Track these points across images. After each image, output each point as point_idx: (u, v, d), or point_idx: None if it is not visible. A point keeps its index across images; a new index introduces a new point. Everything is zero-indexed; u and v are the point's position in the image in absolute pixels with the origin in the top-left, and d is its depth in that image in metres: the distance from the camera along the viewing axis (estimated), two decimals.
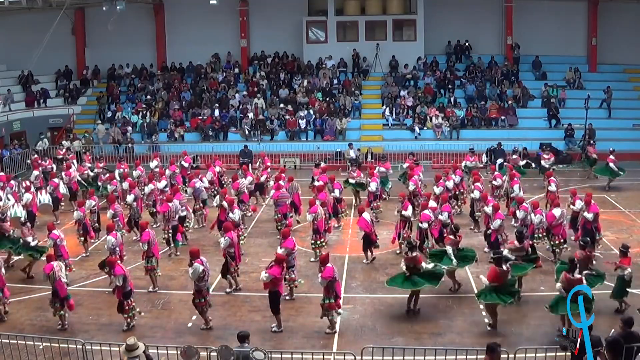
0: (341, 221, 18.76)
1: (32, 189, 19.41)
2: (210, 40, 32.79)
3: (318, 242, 15.68)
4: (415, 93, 30.37)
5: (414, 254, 12.82)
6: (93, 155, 26.72)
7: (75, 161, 23.95)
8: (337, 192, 18.61)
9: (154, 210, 18.73)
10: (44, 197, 19.26)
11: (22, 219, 16.82)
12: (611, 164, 21.99)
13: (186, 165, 22.25)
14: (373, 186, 18.62)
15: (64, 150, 26.18)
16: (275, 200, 17.79)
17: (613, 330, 9.23)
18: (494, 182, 19.11)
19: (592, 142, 25.32)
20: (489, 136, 27.47)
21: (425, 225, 15.46)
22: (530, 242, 14.09)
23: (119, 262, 12.70)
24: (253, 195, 20.56)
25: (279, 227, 17.28)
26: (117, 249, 14.36)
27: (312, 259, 15.74)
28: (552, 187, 17.85)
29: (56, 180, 20.18)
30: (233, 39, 33.16)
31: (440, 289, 14.01)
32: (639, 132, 28.12)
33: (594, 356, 8.51)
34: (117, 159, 23.84)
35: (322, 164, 21.70)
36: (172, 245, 16.57)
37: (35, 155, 24.83)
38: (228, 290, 14.06)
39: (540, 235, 15.45)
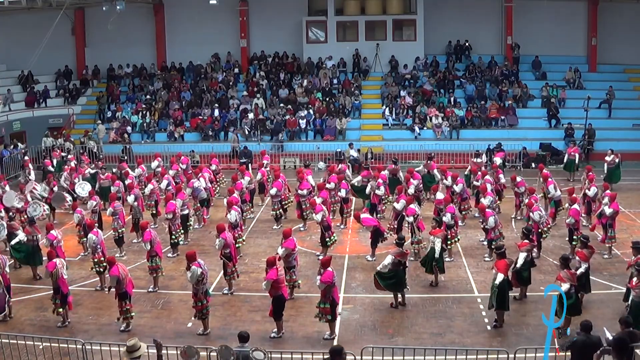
0: (347, 222, 18.68)
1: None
2: (210, 40, 32.78)
3: (331, 238, 15.71)
4: (415, 92, 30.39)
5: (404, 249, 13.02)
6: (92, 155, 26.73)
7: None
8: (343, 192, 18.57)
9: (155, 211, 18.69)
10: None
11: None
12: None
13: (183, 166, 22.19)
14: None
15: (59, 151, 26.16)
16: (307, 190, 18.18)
17: (605, 329, 9.20)
18: (516, 190, 18.62)
19: (575, 142, 25.23)
20: (489, 136, 27.48)
21: (411, 219, 15.54)
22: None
23: (118, 263, 12.55)
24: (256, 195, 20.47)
25: (305, 217, 18.07)
26: (99, 246, 14.32)
27: (319, 254, 15.78)
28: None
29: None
30: (233, 39, 33.16)
31: (441, 289, 14.07)
32: (639, 132, 28.13)
33: (597, 357, 8.56)
34: (117, 159, 23.81)
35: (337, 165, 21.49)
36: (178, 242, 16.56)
37: (26, 158, 24.87)
38: (226, 291, 14.06)
39: (545, 229, 15.57)
